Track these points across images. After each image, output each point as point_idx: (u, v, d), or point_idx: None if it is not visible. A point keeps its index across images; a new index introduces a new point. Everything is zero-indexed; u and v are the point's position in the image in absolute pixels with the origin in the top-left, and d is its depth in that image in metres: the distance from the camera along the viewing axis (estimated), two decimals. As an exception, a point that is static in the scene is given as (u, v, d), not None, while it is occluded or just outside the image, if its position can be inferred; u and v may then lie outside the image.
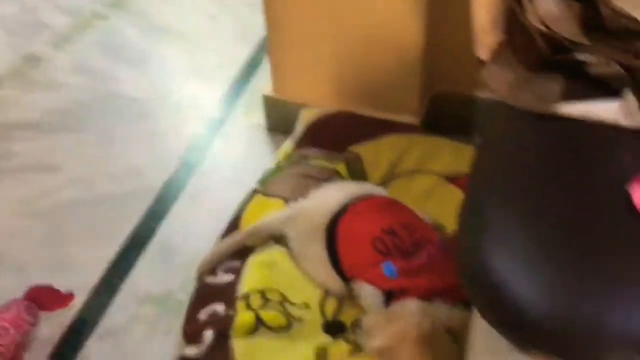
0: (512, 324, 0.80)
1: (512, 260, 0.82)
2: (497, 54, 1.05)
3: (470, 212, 0.93)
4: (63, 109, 1.93)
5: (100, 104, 1.95)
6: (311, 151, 1.60)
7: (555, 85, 0.98)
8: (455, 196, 1.48)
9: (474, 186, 0.96)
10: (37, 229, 1.59)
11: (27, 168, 1.75)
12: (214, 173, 1.73)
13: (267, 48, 1.71)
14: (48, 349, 1.34)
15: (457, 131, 1.69)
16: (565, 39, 0.98)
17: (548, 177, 0.90)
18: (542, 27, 1.00)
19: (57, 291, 1.37)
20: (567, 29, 1.00)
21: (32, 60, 2.11)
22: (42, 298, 1.34)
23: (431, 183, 1.50)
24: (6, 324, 1.25)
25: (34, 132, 1.86)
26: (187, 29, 2.27)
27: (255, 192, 1.55)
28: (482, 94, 1.08)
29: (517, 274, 0.81)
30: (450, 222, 1.42)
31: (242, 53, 2.13)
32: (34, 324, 1.31)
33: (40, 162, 1.76)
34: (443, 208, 1.44)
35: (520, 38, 1.03)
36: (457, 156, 1.57)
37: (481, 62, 1.05)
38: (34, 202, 1.66)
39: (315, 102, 1.71)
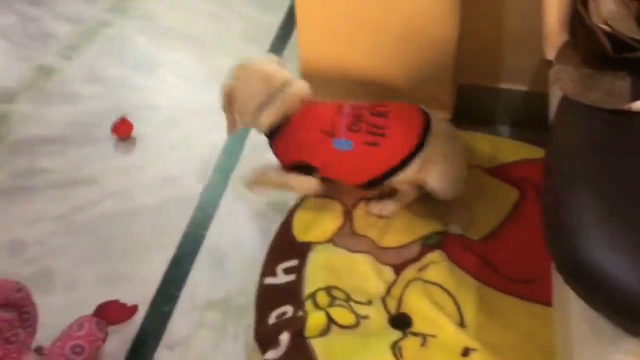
0: (619, 309, 0.86)
1: (609, 249, 0.88)
2: (562, 54, 1.11)
3: (556, 206, 0.99)
4: (84, 121, 1.92)
5: (122, 114, 1.94)
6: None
7: (623, 82, 1.04)
8: (497, 187, 1.55)
9: (556, 180, 1.02)
10: (81, 244, 1.59)
11: (59, 183, 1.74)
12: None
13: (298, 45, 1.72)
14: (119, 363, 1.36)
15: (481, 122, 1.76)
16: (630, 37, 1.04)
17: (630, 169, 0.96)
18: (606, 27, 1.06)
19: (123, 305, 1.38)
20: (628, 27, 1.06)
21: (44, 72, 2.09)
22: (110, 313, 1.35)
23: (476, 177, 1.56)
24: (81, 342, 1.26)
25: (59, 147, 1.84)
26: (194, 32, 2.27)
27: (304, 193, 1.59)
28: (552, 91, 1.14)
29: (617, 261, 0.87)
30: (493, 215, 1.49)
31: (256, 53, 2.15)
32: (104, 340, 1.32)
33: (72, 177, 1.76)
34: (487, 199, 1.50)
35: (584, 38, 1.09)
36: (493, 148, 1.63)
37: (548, 62, 1.11)
38: (74, 217, 1.66)
39: (346, 99, 1.74)
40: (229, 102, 1.45)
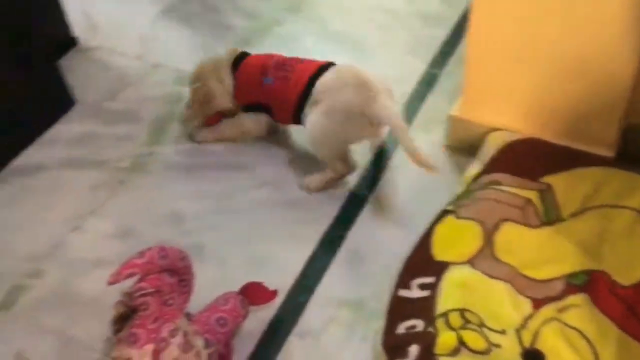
0: None
1: None
2: None
3: None
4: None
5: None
6: (502, 177, 1.63)
7: None
8: (655, 236, 1.48)
9: None
10: (234, 224, 1.71)
11: (222, 166, 1.88)
12: (396, 184, 1.80)
13: (463, 63, 1.73)
14: (253, 342, 1.45)
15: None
16: None
17: None
18: None
19: (266, 288, 1.47)
20: None
21: (219, 60, 2.25)
22: (253, 294, 1.44)
23: (630, 220, 1.49)
24: (226, 315, 1.36)
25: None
26: (360, 39, 2.34)
27: (446, 213, 1.60)
28: None
29: None
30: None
31: (416, 68, 2.18)
32: (245, 317, 1.41)
33: (234, 161, 1.88)
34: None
35: None
36: (655, 194, 1.55)
37: None
38: (230, 199, 1.78)
39: (504, 127, 1.73)
40: (206, 100, 1.90)
